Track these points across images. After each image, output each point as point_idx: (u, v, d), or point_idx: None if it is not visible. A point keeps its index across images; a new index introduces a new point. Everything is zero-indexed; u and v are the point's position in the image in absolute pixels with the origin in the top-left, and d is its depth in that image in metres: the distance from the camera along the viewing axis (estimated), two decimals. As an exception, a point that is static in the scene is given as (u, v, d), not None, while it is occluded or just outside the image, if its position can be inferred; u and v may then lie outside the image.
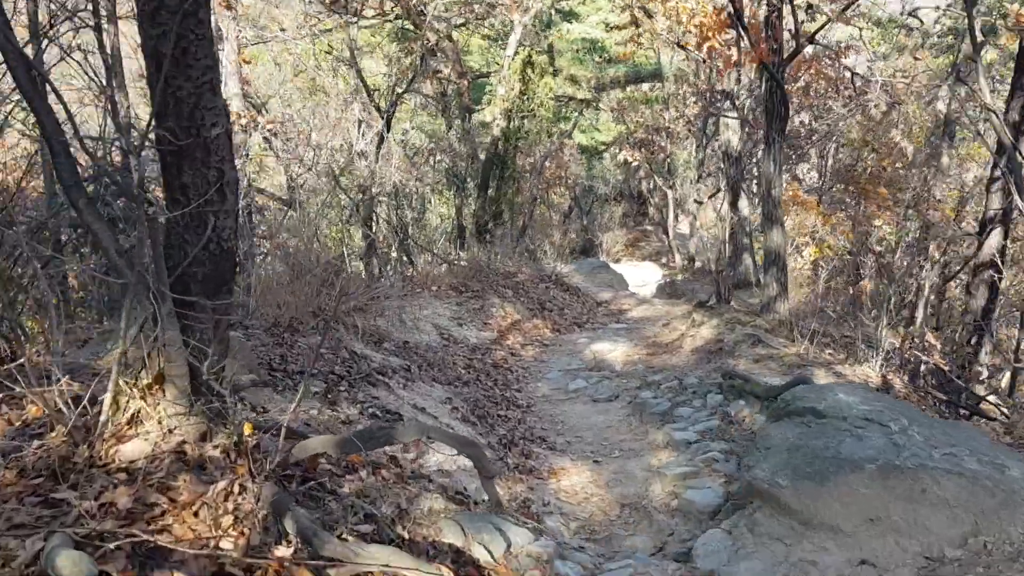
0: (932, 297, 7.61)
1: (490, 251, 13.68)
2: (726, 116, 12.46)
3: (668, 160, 21.73)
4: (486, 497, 4.18)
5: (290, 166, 13.79)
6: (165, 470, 2.51)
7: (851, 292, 10.75)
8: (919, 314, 7.01)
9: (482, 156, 14.58)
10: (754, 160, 16.01)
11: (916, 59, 17.95)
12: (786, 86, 8.85)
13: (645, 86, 20.30)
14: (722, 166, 20.35)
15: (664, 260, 25.29)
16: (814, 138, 15.81)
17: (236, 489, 2.49)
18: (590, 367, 8.35)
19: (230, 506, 2.43)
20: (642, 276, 21.16)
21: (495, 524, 3.16)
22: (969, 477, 2.88)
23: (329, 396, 4.45)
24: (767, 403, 5.47)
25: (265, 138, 13.91)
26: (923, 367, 6.56)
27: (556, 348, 9.57)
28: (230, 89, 12.13)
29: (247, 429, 2.77)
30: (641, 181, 30.78)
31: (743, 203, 14.03)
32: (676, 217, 23.94)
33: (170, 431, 2.64)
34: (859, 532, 2.96)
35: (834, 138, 15.78)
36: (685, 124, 20.17)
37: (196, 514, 2.40)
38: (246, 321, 5.54)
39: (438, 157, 15.99)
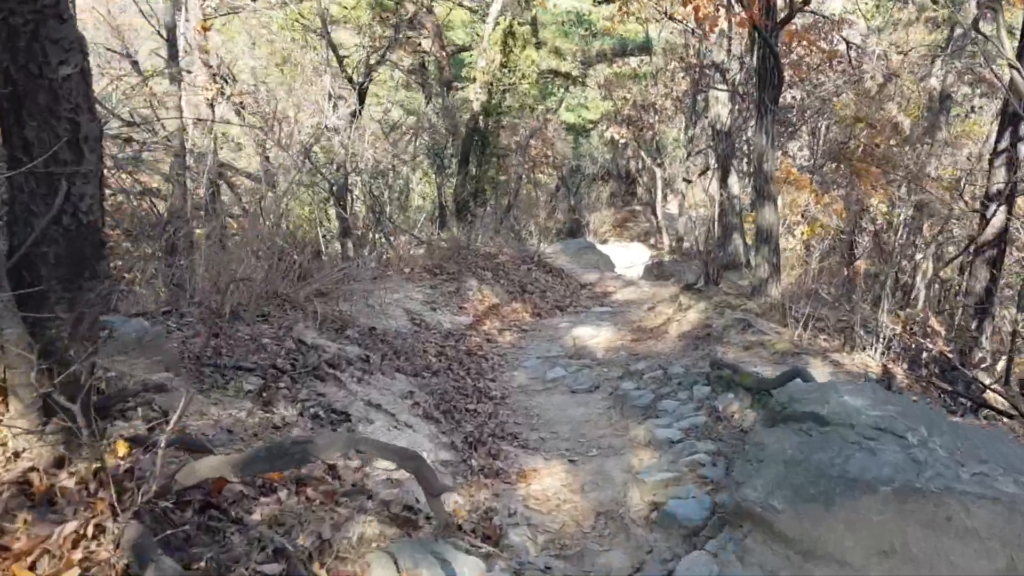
0: (934, 278, 7.12)
1: (470, 231, 13.12)
2: (716, 89, 11.89)
3: (656, 138, 21.16)
4: (441, 509, 3.67)
5: (264, 142, 13.19)
6: (1, 507, 1.97)
7: (846, 273, 10.26)
8: (920, 296, 6.54)
9: (463, 132, 13.98)
10: (744, 136, 15.47)
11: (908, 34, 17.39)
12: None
13: (633, 61, 19.66)
14: (711, 143, 19.82)
15: (653, 241, 24.82)
16: (806, 115, 15.27)
17: (90, 531, 1.96)
18: (570, 354, 7.84)
19: (78, 555, 1.90)
20: (630, 257, 20.68)
21: (438, 554, 2.65)
22: (1005, 503, 2.38)
23: (264, 395, 3.92)
24: (758, 396, 4.98)
25: (237, 112, 13.27)
26: (925, 354, 6.09)
27: (535, 333, 9.06)
28: (195, 61, 11.48)
29: (120, 449, 2.24)
30: (629, 160, 30.24)
31: (733, 181, 13.50)
32: (665, 197, 23.42)
33: (16, 455, 2.10)
34: (869, 565, 2.47)
35: (826, 114, 15.26)
36: (674, 100, 19.59)
37: (32, 567, 1.87)
38: (183, 308, 4.98)
39: (418, 134, 15.36)
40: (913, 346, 6.26)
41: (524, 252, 13.86)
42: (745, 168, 16.08)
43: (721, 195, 12.89)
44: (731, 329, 7.13)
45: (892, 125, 15.18)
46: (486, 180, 13.97)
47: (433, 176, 14.92)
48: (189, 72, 13.13)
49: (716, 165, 19.22)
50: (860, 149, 15.19)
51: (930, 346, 5.85)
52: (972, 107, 19.51)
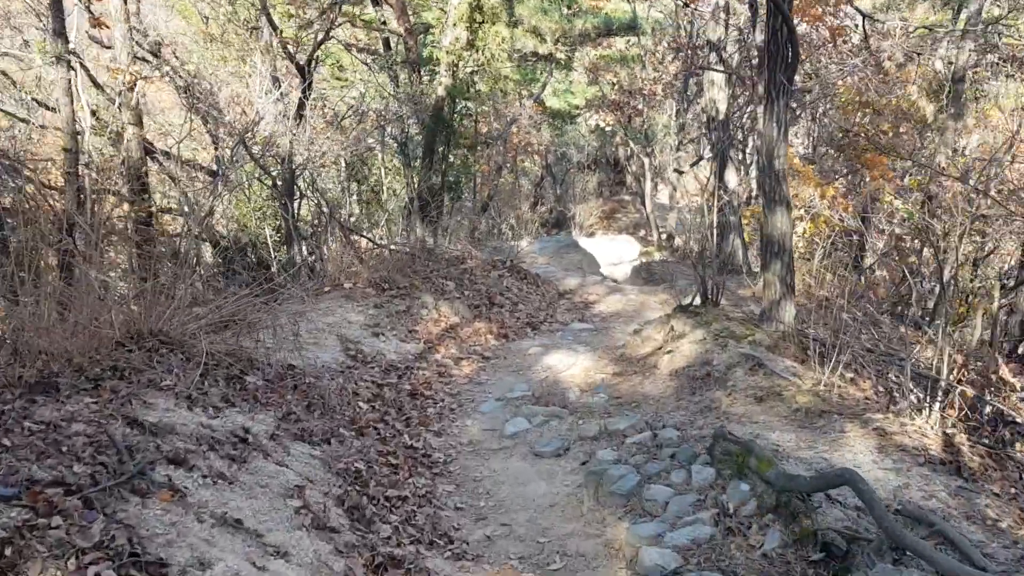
0: (992, 305, 5.68)
1: (436, 231, 11.62)
2: (713, 70, 10.40)
3: (646, 125, 19.66)
4: None
5: (211, 129, 11.65)
6: None
7: (862, 282, 8.83)
8: (976, 326, 5.11)
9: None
10: (739, 124, 14.00)
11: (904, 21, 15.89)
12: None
13: (620, 42, 18.11)
14: (705, 131, 18.34)
15: (642, 233, 23.42)
16: (807, 98, 13.80)
17: None
18: (537, 395, 6.37)
19: None
20: (618, 252, 19.24)
21: None
22: None
23: (7, 550, 2.43)
24: (785, 499, 3.53)
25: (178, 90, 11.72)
26: (989, 408, 4.66)
27: (500, 362, 7.58)
28: (116, 36, 9.92)
29: None
30: (618, 148, 28.85)
31: (730, 174, 12.02)
32: (655, 186, 21.97)
33: None
34: None
35: (829, 98, 13.81)
36: (664, 85, 18.10)
37: None
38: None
39: (384, 123, 13.79)
40: (973, 399, 4.82)
41: (496, 255, 12.40)
42: (743, 159, 14.63)
43: (717, 191, 11.42)
44: (736, 369, 5.67)
45: (899, 110, 13.78)
46: (452, 173, 12.45)
47: (402, 169, 13.39)
48: (109, 47, 11.54)
49: (711, 156, 17.77)
50: (866, 136, 13.83)
51: (1004, 408, 4.42)
52: (981, 90, 18.10)
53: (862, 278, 9.46)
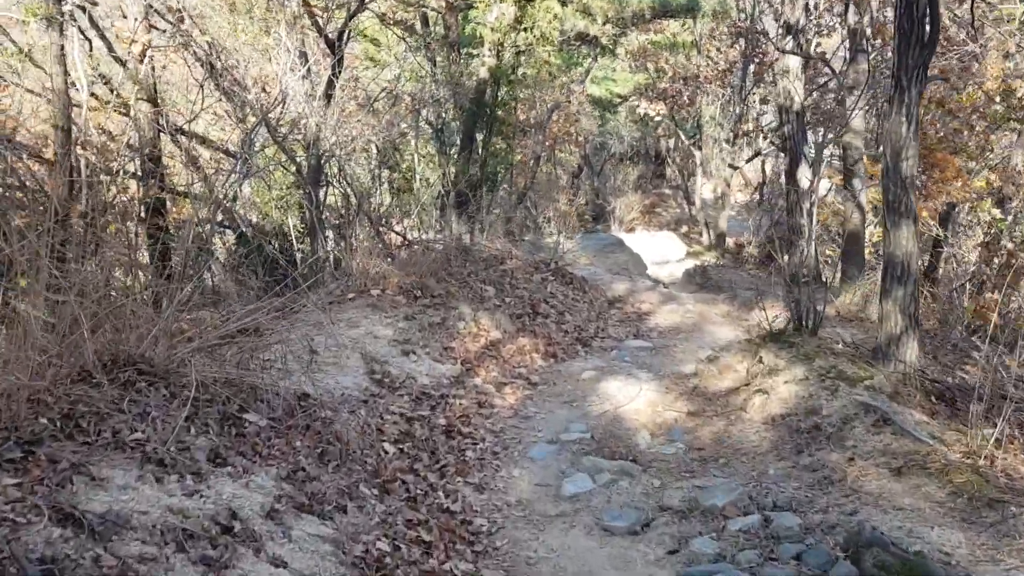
0: None
1: (473, 227, 10.55)
2: (795, 54, 9.18)
3: (696, 115, 18.38)
4: None
5: (238, 108, 10.68)
6: None
7: (973, 307, 7.61)
8: None
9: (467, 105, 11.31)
10: (812, 112, 12.71)
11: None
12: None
13: (674, 25, 16.84)
14: (758, 125, 17.03)
15: (684, 229, 22.17)
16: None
17: None
18: (598, 438, 5.27)
19: None
20: (661, 251, 18.07)
21: None
22: None
23: None
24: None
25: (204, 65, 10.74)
26: None
27: (548, 389, 6.50)
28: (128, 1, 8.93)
29: None
30: (660, 139, 27.58)
31: (803, 172, 10.79)
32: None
33: None
34: None
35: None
36: (719, 72, 16.80)
37: None
38: None
39: (419, 107, 12.72)
40: None
41: (535, 252, 11.33)
42: (811, 155, 13.34)
43: (789, 190, 10.22)
44: (855, 424, 4.53)
45: (976, 107, 12.51)
46: (493, 163, 11.37)
47: (438, 157, 12.32)
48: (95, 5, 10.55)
49: (767, 151, 16.48)
50: (937, 135, 12.62)
51: None
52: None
53: (970, 301, 8.22)
